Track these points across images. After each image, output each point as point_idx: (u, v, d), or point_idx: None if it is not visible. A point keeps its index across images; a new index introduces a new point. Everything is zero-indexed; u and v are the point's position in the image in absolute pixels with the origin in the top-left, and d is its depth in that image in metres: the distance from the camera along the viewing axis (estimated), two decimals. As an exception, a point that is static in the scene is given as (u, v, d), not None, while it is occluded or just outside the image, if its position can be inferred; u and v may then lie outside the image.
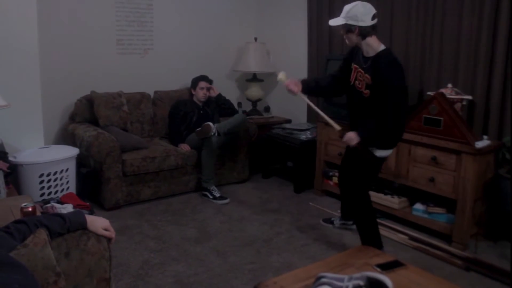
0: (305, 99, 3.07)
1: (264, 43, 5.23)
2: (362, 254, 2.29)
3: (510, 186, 2.99)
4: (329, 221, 3.60)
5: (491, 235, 3.32)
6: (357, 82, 2.78)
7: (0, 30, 3.33)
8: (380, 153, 2.80)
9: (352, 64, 2.83)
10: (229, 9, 5.35)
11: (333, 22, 2.74)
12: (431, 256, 3.11)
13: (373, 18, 2.63)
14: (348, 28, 2.65)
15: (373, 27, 2.65)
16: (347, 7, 2.66)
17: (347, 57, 2.93)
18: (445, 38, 3.60)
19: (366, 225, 2.94)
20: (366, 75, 2.68)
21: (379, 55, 2.65)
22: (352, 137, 2.75)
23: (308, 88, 3.01)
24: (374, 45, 2.68)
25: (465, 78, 3.49)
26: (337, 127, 2.90)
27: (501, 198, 3.12)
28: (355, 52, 2.84)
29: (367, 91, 2.70)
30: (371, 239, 2.89)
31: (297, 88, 2.93)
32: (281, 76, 2.97)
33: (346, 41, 2.76)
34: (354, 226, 3.27)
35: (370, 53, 2.68)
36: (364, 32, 2.63)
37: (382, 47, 2.68)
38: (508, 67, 3.24)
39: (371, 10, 2.64)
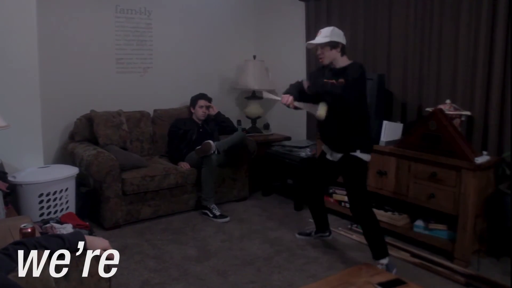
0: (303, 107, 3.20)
1: (263, 61, 5.27)
2: (363, 272, 2.27)
3: (510, 201, 2.98)
4: (305, 233, 3.67)
5: (493, 252, 3.29)
6: None
7: (1, 50, 3.35)
8: (366, 157, 3.03)
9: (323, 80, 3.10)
10: (228, 27, 5.40)
11: (318, 40, 3.02)
12: (433, 273, 3.08)
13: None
14: (333, 45, 2.98)
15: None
16: (327, 29, 3.02)
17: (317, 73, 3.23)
18: (443, 54, 3.63)
19: (376, 233, 3.04)
20: (340, 80, 2.93)
21: (352, 64, 3.01)
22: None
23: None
24: (345, 60, 3.04)
25: (464, 94, 3.51)
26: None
27: (502, 214, 3.11)
28: (320, 71, 3.16)
29: None
30: (380, 247, 3.03)
31: (289, 99, 3.09)
32: (321, 111, 2.95)
33: (324, 59, 3.03)
34: (330, 237, 3.53)
35: (342, 65, 3.01)
36: (344, 49, 3.02)
37: (351, 61, 3.06)
38: (507, 82, 3.26)
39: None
